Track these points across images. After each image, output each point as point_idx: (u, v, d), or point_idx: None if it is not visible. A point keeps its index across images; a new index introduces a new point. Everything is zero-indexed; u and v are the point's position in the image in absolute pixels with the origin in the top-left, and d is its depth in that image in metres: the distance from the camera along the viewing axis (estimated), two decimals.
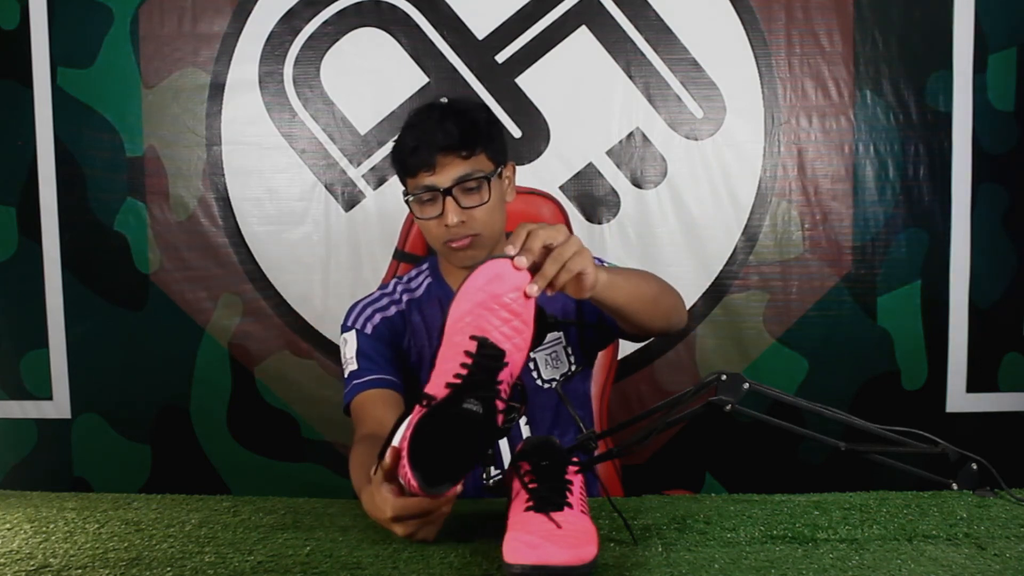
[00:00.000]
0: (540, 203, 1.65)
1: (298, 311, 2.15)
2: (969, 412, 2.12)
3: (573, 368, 1.35)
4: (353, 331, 1.32)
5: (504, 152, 1.32)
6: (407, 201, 1.30)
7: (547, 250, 0.92)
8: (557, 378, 1.34)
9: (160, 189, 2.15)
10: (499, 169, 1.30)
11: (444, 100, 1.32)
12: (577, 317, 1.34)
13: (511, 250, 0.90)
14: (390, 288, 1.39)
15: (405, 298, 1.37)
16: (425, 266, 1.42)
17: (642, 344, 2.10)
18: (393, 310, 1.35)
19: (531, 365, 1.34)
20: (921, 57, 2.09)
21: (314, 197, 2.13)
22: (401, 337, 1.34)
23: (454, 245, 1.26)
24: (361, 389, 1.27)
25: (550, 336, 1.33)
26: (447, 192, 1.24)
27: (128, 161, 2.14)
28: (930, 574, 0.80)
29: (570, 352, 1.36)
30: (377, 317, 1.34)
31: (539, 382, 1.34)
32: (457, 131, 1.24)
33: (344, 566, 0.83)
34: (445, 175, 1.24)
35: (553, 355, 1.35)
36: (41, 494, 1.18)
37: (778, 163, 2.11)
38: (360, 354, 1.29)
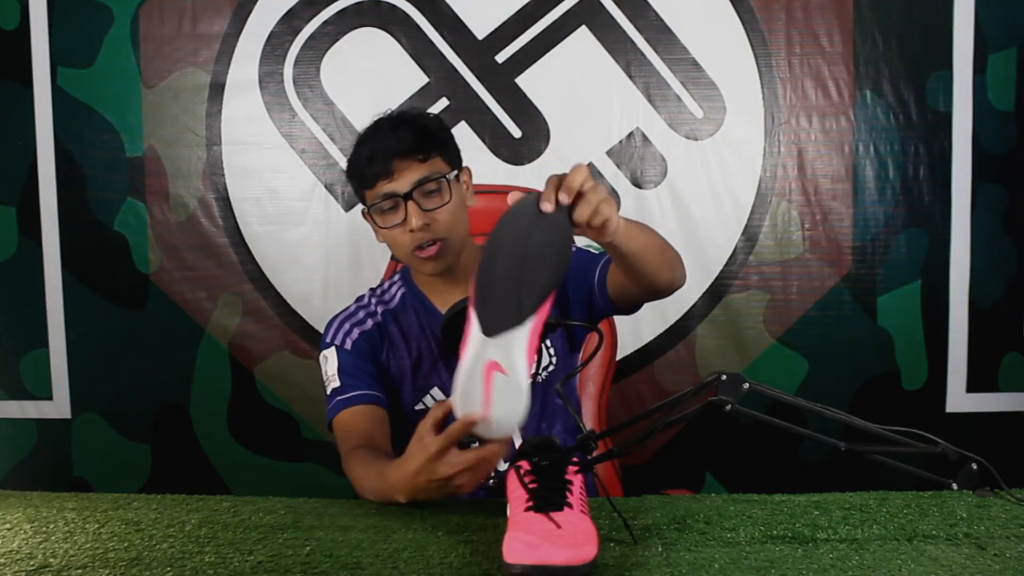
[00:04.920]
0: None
1: (298, 311, 2.15)
2: (969, 412, 2.12)
3: (553, 361, 1.35)
4: (333, 348, 1.31)
5: (459, 157, 1.33)
6: (367, 214, 1.29)
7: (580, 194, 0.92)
8: (539, 372, 1.33)
9: (160, 189, 2.15)
10: (456, 172, 1.30)
11: (392, 111, 1.32)
12: (565, 316, 1.34)
13: (546, 205, 0.89)
14: (365, 300, 1.39)
15: (380, 310, 1.36)
16: (397, 276, 1.42)
17: (642, 344, 2.11)
18: (370, 323, 1.34)
19: None
20: (921, 57, 2.09)
21: (314, 197, 2.13)
22: (379, 351, 1.34)
23: (421, 255, 1.26)
24: (345, 405, 1.26)
25: None
26: (408, 196, 1.23)
27: (128, 161, 2.14)
28: (930, 574, 0.80)
29: (549, 345, 1.35)
30: (356, 332, 1.33)
31: None
32: (410, 136, 1.24)
33: (344, 566, 0.83)
34: (404, 180, 1.24)
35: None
36: (41, 494, 1.17)
37: (778, 163, 2.11)
38: (342, 371, 1.28)
